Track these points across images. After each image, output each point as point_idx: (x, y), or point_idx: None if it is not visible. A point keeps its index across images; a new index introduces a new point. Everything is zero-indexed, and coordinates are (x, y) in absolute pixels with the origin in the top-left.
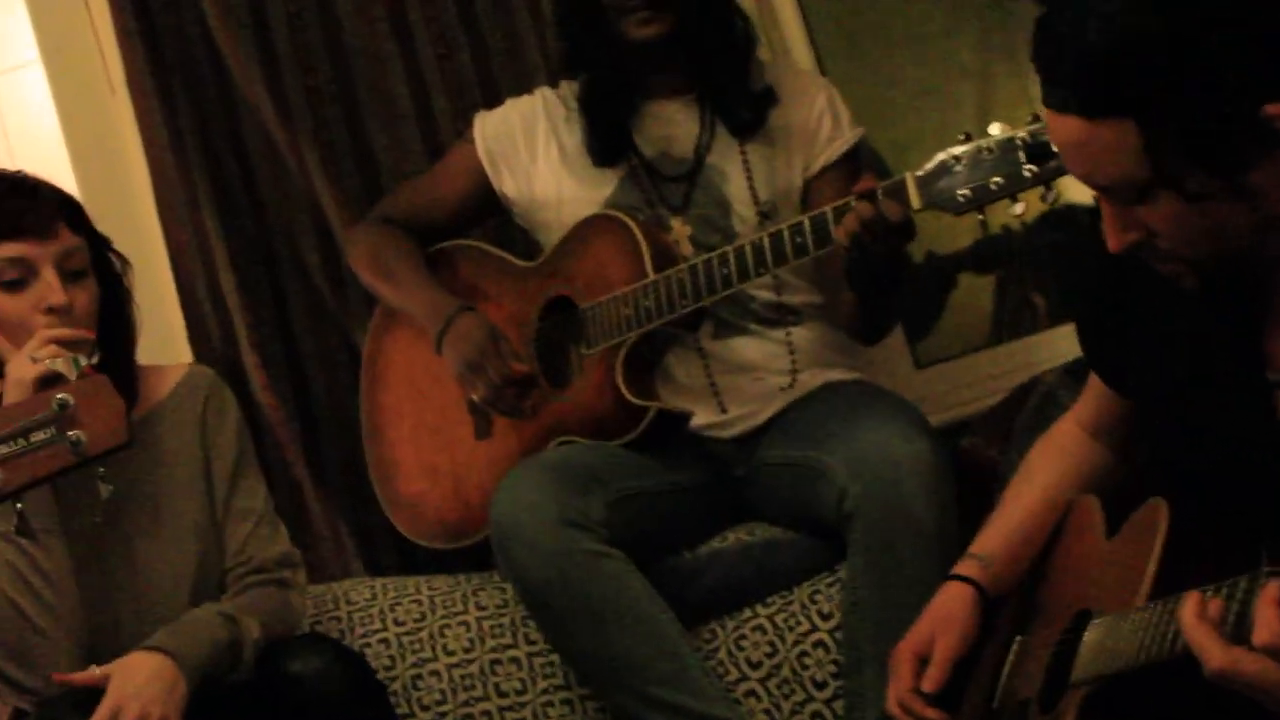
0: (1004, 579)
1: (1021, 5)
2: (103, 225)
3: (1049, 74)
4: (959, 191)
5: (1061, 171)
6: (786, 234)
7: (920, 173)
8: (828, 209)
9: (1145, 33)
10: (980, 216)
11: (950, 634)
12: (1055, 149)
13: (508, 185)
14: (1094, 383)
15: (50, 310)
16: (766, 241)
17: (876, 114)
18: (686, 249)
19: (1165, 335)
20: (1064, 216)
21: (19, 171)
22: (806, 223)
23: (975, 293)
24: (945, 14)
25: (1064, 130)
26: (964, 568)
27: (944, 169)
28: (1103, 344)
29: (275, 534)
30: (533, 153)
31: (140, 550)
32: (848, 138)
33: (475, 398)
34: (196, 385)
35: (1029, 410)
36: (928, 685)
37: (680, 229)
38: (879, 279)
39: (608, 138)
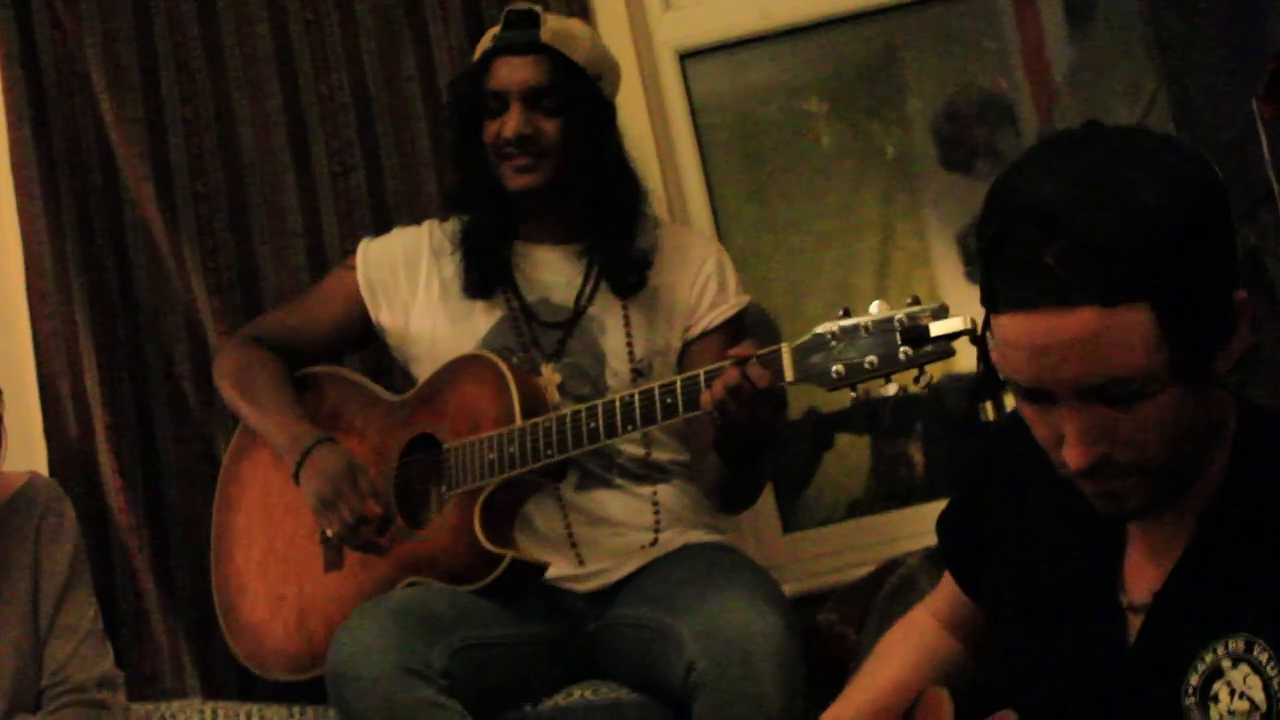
0: None
1: (924, 168)
2: None
3: (1066, 266)
4: (833, 368)
5: (936, 357)
6: (658, 394)
7: (796, 344)
8: (701, 371)
9: (1166, 215)
10: (853, 394)
11: None
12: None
13: (384, 316)
14: (949, 578)
15: None
16: (637, 400)
17: (775, 260)
18: (554, 396)
19: (1024, 551)
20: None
21: None
22: (679, 384)
23: (852, 456)
24: (850, 170)
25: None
26: None
27: (819, 343)
28: (960, 548)
29: (99, 653)
30: (413, 286)
31: None
32: (732, 304)
33: (329, 533)
34: (34, 499)
35: (887, 591)
36: None
37: (550, 375)
38: (742, 447)
39: (482, 274)
